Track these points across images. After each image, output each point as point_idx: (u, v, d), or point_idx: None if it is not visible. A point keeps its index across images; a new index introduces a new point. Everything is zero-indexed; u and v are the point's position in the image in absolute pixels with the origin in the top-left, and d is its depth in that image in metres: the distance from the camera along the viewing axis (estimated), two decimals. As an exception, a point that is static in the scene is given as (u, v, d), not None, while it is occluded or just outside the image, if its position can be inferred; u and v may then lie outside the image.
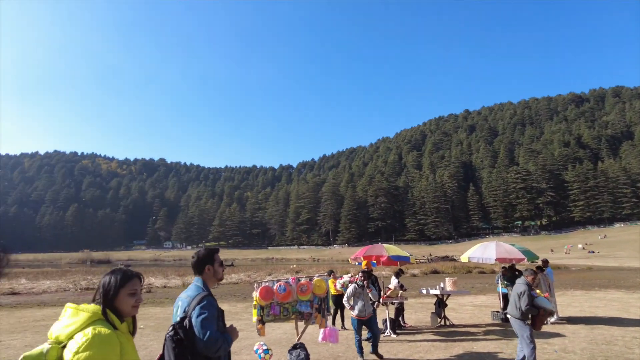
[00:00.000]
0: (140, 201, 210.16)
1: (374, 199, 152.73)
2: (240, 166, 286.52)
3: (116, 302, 1.91)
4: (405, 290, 11.09)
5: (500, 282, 11.54)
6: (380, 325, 9.95)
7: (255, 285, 6.44)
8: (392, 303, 10.50)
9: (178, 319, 2.59)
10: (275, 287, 6.27)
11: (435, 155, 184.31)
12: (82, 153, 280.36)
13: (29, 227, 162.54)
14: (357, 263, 11.00)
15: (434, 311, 11.06)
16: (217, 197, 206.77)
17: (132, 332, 2.04)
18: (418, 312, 13.30)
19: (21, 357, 1.69)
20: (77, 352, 1.64)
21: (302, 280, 6.59)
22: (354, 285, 7.36)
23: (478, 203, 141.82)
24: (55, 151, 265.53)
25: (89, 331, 1.71)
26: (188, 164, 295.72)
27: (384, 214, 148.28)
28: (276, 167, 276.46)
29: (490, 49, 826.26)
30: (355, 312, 7.24)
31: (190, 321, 2.51)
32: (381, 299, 9.50)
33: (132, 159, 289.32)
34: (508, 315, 6.41)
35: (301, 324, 6.77)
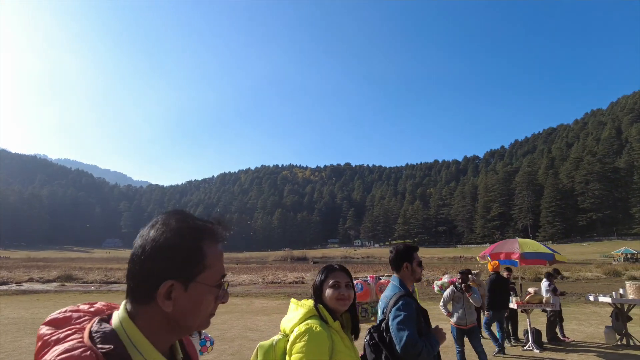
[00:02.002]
0: (331, 203, 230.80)
1: (584, 185, 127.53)
2: (420, 162, 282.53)
3: (323, 296, 1.91)
4: (562, 295, 8.80)
5: None
6: (521, 336, 8.22)
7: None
8: (544, 311, 8.50)
9: (379, 320, 2.52)
10: (352, 285, 5.89)
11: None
12: (282, 165, 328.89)
13: (246, 230, 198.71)
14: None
15: (610, 325, 8.41)
16: (400, 195, 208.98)
17: (353, 333, 1.98)
18: (599, 325, 10.36)
19: (258, 345, 1.90)
20: (293, 344, 1.75)
21: (382, 280, 5.97)
22: (451, 288, 6.26)
23: None
24: (262, 165, 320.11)
25: (303, 326, 1.78)
26: (371, 165, 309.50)
27: (600, 203, 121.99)
28: (460, 159, 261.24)
29: None
30: (454, 319, 6.13)
31: (387, 324, 2.37)
32: (516, 305, 7.81)
33: (322, 166, 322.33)
34: None
35: (382, 327, 6.15)
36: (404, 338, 2.26)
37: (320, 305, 1.89)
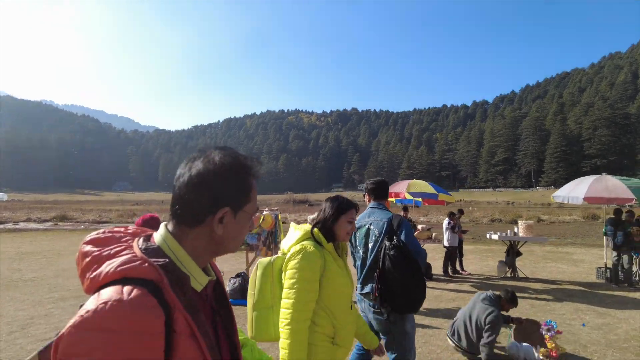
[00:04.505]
0: (336, 149, 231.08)
1: (591, 131, 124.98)
2: (428, 107, 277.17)
3: (335, 226, 2.07)
4: (463, 233, 9.45)
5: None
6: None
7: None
8: (445, 247, 9.20)
9: (374, 239, 2.84)
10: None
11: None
12: (288, 110, 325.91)
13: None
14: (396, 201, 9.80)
15: (503, 260, 9.11)
16: (405, 140, 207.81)
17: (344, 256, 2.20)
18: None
19: (257, 262, 2.13)
20: (288, 261, 1.97)
21: (257, 215, 6.60)
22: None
23: None
24: (267, 110, 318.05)
25: (298, 246, 2.00)
26: (378, 110, 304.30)
27: (606, 149, 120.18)
28: (469, 104, 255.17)
29: None
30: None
31: (399, 239, 2.72)
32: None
33: (328, 111, 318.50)
34: None
35: (251, 255, 6.87)
36: (421, 249, 2.80)
37: (316, 230, 2.07)
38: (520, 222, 9.12)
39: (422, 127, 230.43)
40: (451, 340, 4.46)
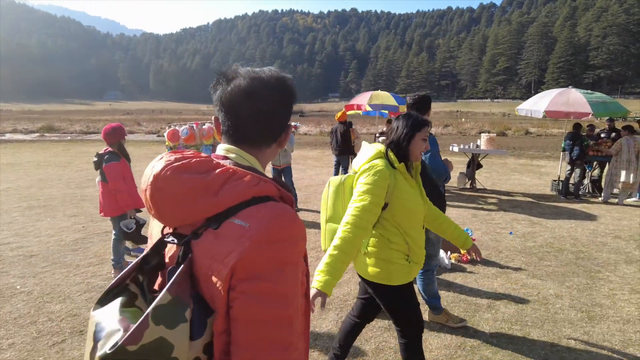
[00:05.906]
0: (333, 54, 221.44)
1: (600, 39, 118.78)
2: (433, 9, 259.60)
3: (410, 144, 2.06)
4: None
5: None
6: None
7: (167, 127, 6.89)
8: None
9: None
10: (180, 130, 6.56)
11: None
12: (282, 10, 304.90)
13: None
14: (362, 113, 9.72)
15: (463, 171, 9.38)
16: (406, 46, 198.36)
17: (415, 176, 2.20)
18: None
19: (329, 180, 2.20)
20: (358, 177, 2.05)
21: (205, 126, 6.64)
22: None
23: None
24: (260, 11, 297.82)
25: (368, 164, 2.06)
26: (379, 11, 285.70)
27: (612, 59, 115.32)
28: (475, 7, 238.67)
29: None
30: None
31: None
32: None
33: (325, 12, 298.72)
34: None
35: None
36: (439, 166, 2.99)
37: (390, 150, 2.09)
38: (482, 135, 9.19)
39: (425, 31, 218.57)
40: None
